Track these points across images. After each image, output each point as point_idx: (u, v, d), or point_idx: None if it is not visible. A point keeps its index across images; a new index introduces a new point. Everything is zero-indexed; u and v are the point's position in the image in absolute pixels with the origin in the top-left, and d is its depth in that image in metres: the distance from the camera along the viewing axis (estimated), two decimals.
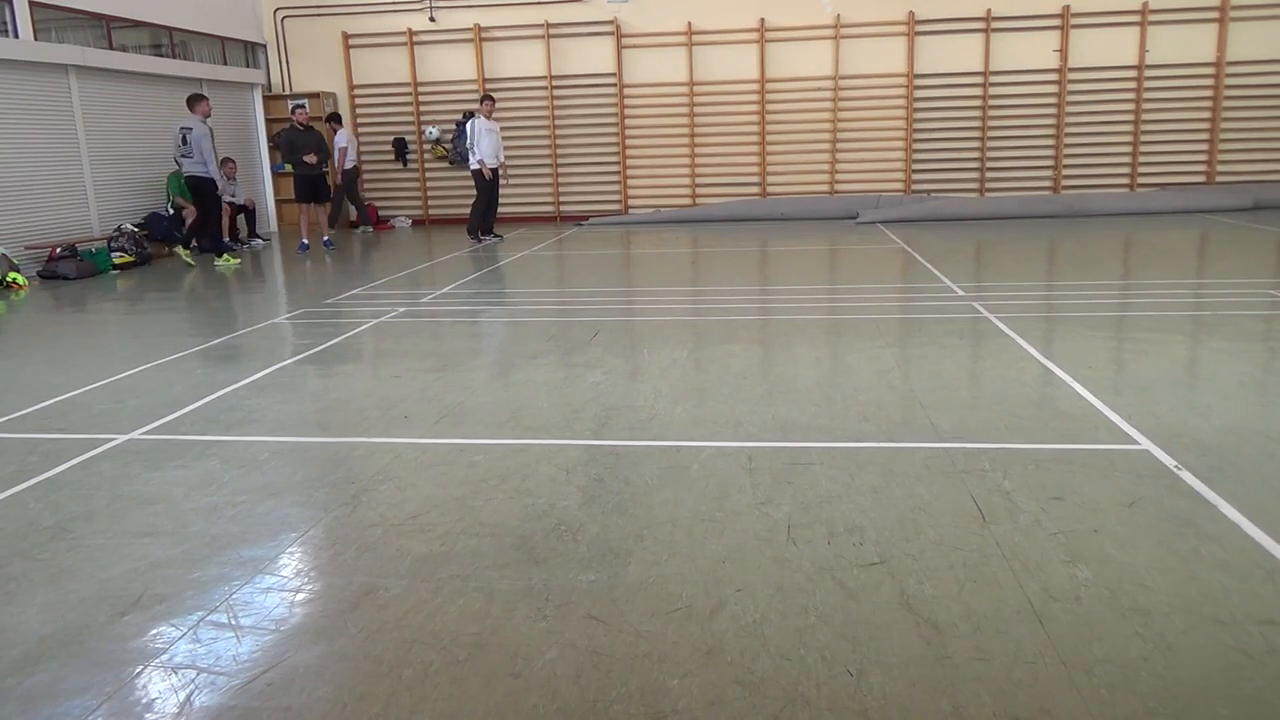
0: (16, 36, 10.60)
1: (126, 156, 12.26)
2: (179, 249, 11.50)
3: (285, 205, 15.35)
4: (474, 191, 12.84)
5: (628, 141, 15.23)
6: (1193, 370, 5.11)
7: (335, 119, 14.70)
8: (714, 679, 2.26)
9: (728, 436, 4.09)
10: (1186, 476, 3.43)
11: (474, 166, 12.42)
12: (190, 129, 11.05)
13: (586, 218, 15.34)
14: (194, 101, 11.18)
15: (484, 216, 12.84)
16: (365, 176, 15.82)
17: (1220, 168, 14.33)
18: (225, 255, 11.29)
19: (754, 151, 15.03)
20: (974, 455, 3.73)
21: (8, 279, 9.67)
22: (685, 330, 6.68)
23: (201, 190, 11.17)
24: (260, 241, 13.41)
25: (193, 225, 11.64)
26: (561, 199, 15.61)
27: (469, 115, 15.12)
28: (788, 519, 3.15)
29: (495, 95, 14.84)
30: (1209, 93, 14.12)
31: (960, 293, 7.57)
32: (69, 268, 10.38)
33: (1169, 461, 3.58)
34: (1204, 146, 14.32)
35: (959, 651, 2.33)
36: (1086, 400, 4.44)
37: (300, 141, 12.28)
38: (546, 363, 5.59)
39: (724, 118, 14.96)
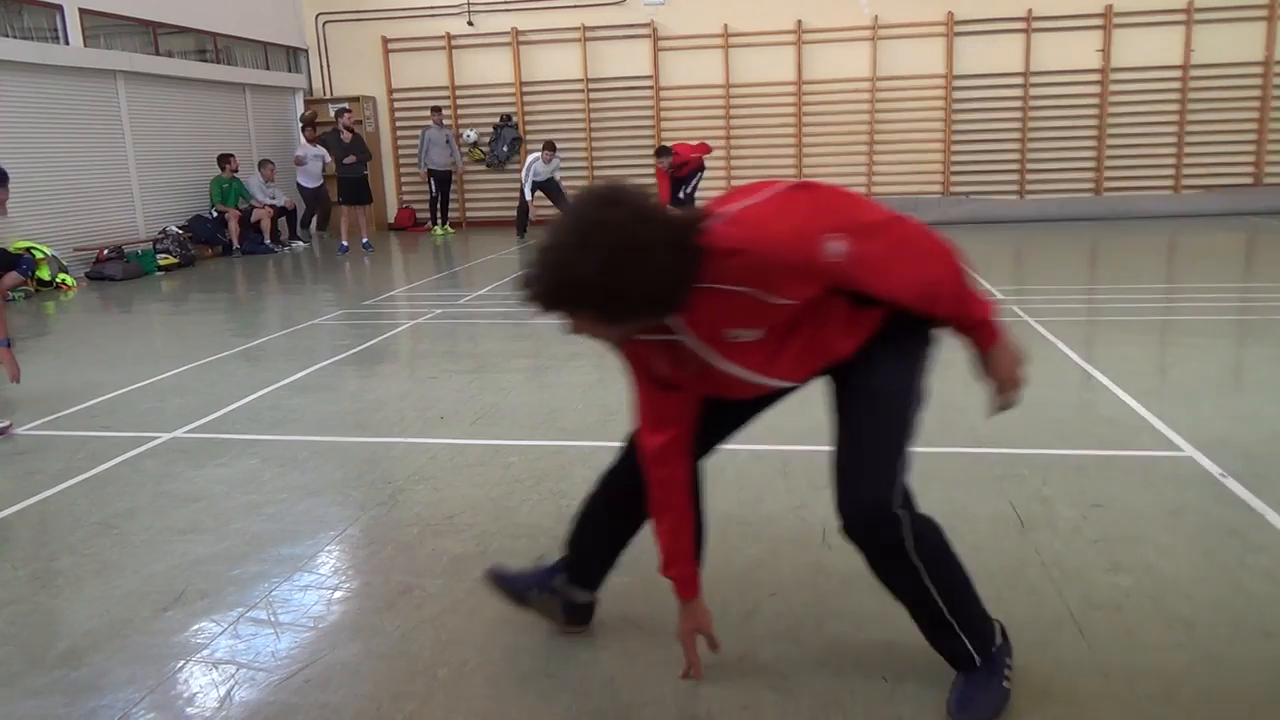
0: (67, 43, 10.85)
1: (171, 160, 12.47)
2: (436, 228, 14.79)
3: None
4: (515, 196, 13.93)
5: (664, 143, 15.19)
6: (1238, 376, 5.01)
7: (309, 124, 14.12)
8: (747, 683, 2.25)
9: (762, 440, 4.06)
10: (1232, 484, 3.36)
11: (528, 198, 13.31)
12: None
13: None
14: (434, 113, 14.53)
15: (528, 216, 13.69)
16: (404, 179, 15.98)
17: (1269, 169, 14.01)
18: (445, 227, 14.85)
19: (790, 153, 14.94)
20: (1012, 461, 3.69)
21: (57, 280, 9.91)
22: None
23: (440, 179, 14.66)
24: (300, 243, 13.58)
25: (438, 203, 14.84)
26: None
27: (506, 119, 15.29)
28: (823, 523, 3.13)
29: (532, 98, 15.06)
30: (1257, 92, 13.80)
31: (999, 296, 7.47)
32: (116, 269, 10.61)
33: (1214, 469, 3.51)
34: (1251, 147, 14.00)
35: None
36: (1129, 406, 4.36)
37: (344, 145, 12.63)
38: (581, 365, 5.61)
39: (760, 120, 14.89)
